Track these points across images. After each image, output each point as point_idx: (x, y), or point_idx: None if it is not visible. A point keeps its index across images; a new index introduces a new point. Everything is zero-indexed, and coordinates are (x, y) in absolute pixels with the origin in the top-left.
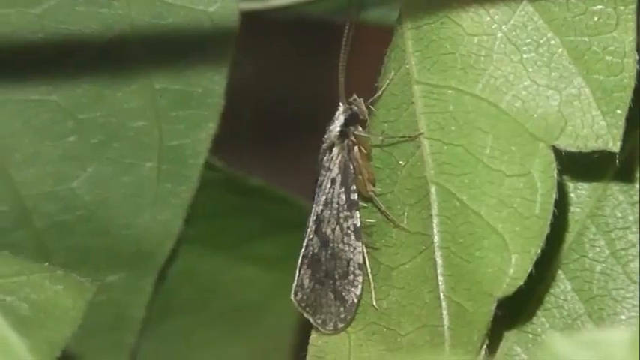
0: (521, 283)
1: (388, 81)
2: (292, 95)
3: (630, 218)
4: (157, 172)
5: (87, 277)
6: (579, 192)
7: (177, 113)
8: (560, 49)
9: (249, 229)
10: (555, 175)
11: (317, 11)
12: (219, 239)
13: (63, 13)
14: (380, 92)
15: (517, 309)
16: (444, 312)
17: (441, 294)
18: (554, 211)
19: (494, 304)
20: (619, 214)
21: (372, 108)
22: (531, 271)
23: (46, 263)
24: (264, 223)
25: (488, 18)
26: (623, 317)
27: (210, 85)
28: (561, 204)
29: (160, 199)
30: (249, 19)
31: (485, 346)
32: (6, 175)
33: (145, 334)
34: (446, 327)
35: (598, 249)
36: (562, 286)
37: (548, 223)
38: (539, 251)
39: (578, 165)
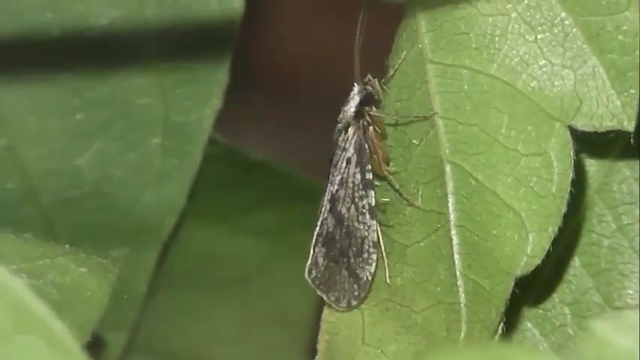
0: (539, 262)
1: (400, 60)
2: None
3: (637, 193)
4: (161, 148)
5: (91, 252)
6: (587, 168)
7: (182, 90)
8: (574, 29)
9: (245, 200)
10: (572, 154)
11: None
12: (216, 211)
13: None
14: (392, 72)
15: (526, 284)
16: (461, 290)
17: (457, 272)
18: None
19: (512, 283)
20: (626, 190)
21: (384, 87)
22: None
23: (67, 245)
24: (260, 195)
25: None
26: (630, 292)
27: (214, 63)
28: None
29: (164, 174)
30: None
31: (502, 324)
32: (13, 153)
33: (142, 306)
34: (462, 304)
35: (605, 224)
36: (570, 260)
37: (565, 202)
38: (556, 230)
39: (586, 141)
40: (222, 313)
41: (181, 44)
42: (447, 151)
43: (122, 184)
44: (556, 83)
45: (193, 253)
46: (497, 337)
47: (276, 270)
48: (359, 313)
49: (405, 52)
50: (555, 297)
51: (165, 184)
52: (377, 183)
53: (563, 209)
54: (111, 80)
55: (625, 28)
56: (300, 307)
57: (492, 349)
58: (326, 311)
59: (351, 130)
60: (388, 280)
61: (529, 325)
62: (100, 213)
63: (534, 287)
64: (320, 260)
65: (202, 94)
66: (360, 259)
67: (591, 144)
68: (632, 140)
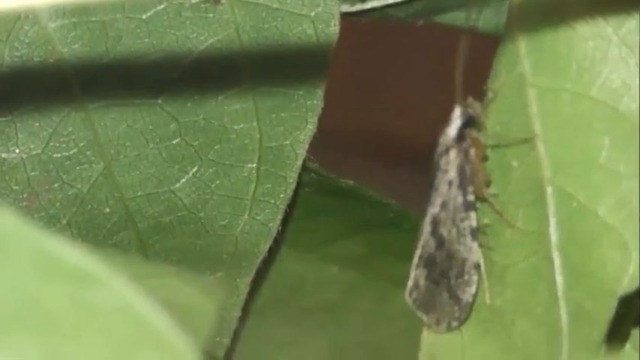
0: None
1: (500, 83)
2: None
3: None
4: (256, 173)
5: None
6: None
7: (278, 115)
8: None
9: (334, 229)
10: None
11: (401, 14)
12: (304, 239)
13: (169, 18)
14: (493, 95)
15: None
16: (562, 310)
17: (559, 293)
18: None
19: (615, 303)
20: None
21: (484, 109)
22: None
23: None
24: (349, 223)
25: (603, 22)
26: None
27: (310, 88)
28: None
29: (259, 200)
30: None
31: (604, 344)
32: (111, 178)
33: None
34: (564, 325)
35: None
36: None
37: None
38: None
39: None
40: (309, 341)
41: (276, 69)
42: (548, 173)
43: (217, 209)
44: None
45: (281, 281)
46: (599, 358)
47: (362, 298)
48: (459, 335)
49: (504, 76)
50: None
51: (260, 209)
52: (477, 205)
53: None
54: (207, 105)
55: None
56: (387, 335)
57: None
58: (425, 333)
59: (452, 153)
60: (488, 301)
61: (627, 346)
62: (193, 238)
63: (634, 306)
64: (421, 282)
65: (297, 119)
66: (461, 280)
67: None
68: None
